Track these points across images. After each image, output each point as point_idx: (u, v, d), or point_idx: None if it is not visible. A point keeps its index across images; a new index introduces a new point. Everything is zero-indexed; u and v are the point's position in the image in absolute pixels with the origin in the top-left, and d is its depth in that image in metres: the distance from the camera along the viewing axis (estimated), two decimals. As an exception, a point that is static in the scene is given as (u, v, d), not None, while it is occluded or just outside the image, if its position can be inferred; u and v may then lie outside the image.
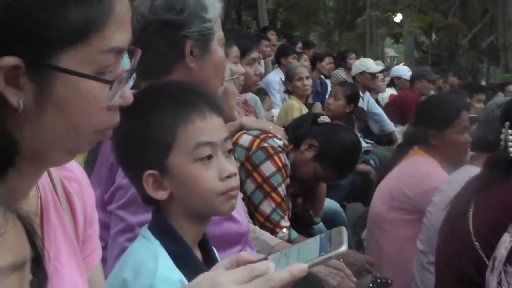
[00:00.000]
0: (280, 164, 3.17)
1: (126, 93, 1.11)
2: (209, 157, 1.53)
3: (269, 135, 3.28)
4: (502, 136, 2.66)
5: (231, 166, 1.56)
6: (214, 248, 1.70)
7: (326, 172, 3.35)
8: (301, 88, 6.29)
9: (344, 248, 1.00)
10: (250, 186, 3.15)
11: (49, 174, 1.24)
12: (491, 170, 2.74)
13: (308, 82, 6.36)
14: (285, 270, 0.99)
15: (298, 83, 6.27)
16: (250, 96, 5.29)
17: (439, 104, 3.80)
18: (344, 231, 1.05)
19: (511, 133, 2.63)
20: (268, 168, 3.16)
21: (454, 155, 3.82)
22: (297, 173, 3.34)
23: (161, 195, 1.54)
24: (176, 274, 1.48)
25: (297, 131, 3.42)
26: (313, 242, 1.06)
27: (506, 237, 2.11)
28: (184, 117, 1.52)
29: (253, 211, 3.04)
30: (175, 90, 1.59)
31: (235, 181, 1.57)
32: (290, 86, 6.34)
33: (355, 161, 3.56)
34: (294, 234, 3.23)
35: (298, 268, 0.99)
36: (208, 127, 1.54)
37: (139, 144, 1.53)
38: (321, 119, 3.54)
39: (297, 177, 3.37)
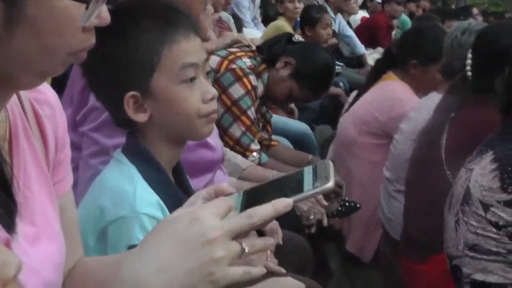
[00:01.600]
0: (249, 86, 3.10)
1: (104, 13, 1.04)
2: (193, 79, 1.50)
3: (238, 55, 3.20)
4: (467, 62, 2.64)
5: (212, 88, 1.52)
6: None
7: (302, 91, 3.29)
8: (292, 11, 6.25)
9: (331, 183, 0.96)
10: (219, 109, 3.09)
11: (19, 97, 1.17)
12: (454, 96, 2.72)
13: (300, 5, 6.30)
14: (269, 205, 0.95)
15: (289, 5, 6.24)
16: (222, 13, 5.19)
17: (432, 39, 3.73)
18: (331, 165, 1.00)
19: (470, 57, 2.61)
20: (237, 90, 3.09)
21: (427, 88, 3.80)
22: (271, 92, 3.27)
23: (141, 117, 1.50)
24: (155, 197, 1.45)
25: (272, 49, 3.34)
26: (298, 176, 1.01)
27: (462, 172, 2.08)
28: (170, 36, 1.47)
29: (222, 135, 2.99)
30: (158, 8, 1.52)
31: (215, 104, 1.54)
32: (281, 7, 6.29)
33: (330, 81, 3.51)
34: (265, 157, 3.20)
35: (283, 203, 0.95)
36: (193, 48, 1.50)
37: (120, 65, 1.48)
38: (296, 38, 3.47)
39: (271, 96, 3.32)
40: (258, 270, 0.96)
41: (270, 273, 1.74)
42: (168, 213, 1.43)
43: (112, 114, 1.57)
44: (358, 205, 3.27)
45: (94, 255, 1.42)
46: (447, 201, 2.16)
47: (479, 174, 1.98)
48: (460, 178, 2.09)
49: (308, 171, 1.01)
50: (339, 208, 3.21)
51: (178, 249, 0.92)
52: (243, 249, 0.94)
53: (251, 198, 1.01)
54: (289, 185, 1.00)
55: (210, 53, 3.01)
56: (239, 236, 0.94)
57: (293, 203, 0.96)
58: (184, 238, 0.92)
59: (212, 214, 0.94)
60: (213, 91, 1.53)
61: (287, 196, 0.97)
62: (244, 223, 0.94)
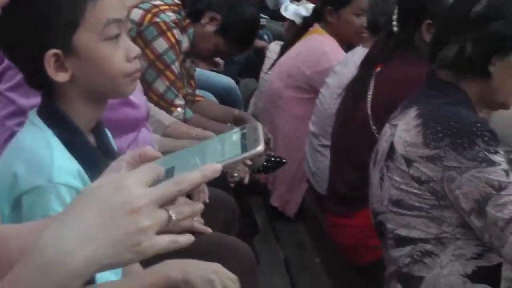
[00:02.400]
0: (173, 40, 3.03)
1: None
2: (117, 36, 1.43)
3: (161, 8, 3.11)
4: (394, 17, 2.64)
5: (136, 46, 1.46)
6: (109, 134, 1.61)
7: (228, 46, 3.23)
8: None
9: (260, 147, 0.92)
10: (142, 64, 3.00)
11: None
12: (379, 50, 2.73)
13: None
14: (197, 171, 0.91)
15: None
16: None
17: None
18: (259, 128, 0.96)
19: (396, 12, 2.61)
20: (160, 44, 3.01)
21: (349, 36, 3.81)
22: (196, 48, 3.21)
23: (62, 77, 1.42)
24: (74, 165, 1.39)
25: (196, 3, 3.26)
26: (226, 139, 0.97)
27: (387, 128, 2.08)
28: None
29: (146, 90, 2.91)
30: None
31: (139, 63, 1.49)
32: None
33: (255, 34, 3.46)
34: (189, 113, 3.15)
35: (211, 169, 0.91)
36: (116, 3, 1.43)
37: (40, 21, 1.39)
38: None
39: (196, 52, 3.25)
40: (185, 238, 0.93)
41: (197, 233, 1.72)
42: (89, 181, 1.38)
43: (26, 74, 1.49)
44: (284, 160, 3.27)
45: (9, 223, 1.35)
46: (372, 156, 2.16)
47: (403, 129, 1.98)
48: (385, 134, 2.09)
49: (236, 134, 0.98)
50: (265, 163, 3.20)
51: (102, 218, 0.88)
52: (170, 217, 0.90)
53: (179, 163, 0.96)
54: (217, 149, 0.96)
55: (131, 8, 2.93)
56: (166, 203, 0.90)
57: (222, 168, 0.92)
58: (109, 207, 0.88)
59: (137, 182, 0.89)
60: (137, 49, 1.48)
61: (215, 161, 0.93)
62: (171, 190, 0.90)
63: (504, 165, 1.86)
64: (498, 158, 1.85)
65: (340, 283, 3.17)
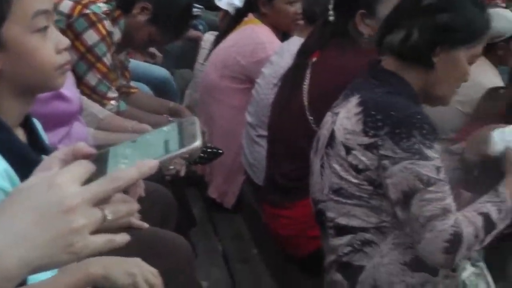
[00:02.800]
0: (104, 32, 2.97)
1: None
2: (46, 28, 1.38)
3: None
4: (330, 6, 2.64)
5: (65, 37, 1.41)
6: (40, 127, 1.55)
7: (161, 35, 3.17)
8: None
9: (198, 142, 0.90)
10: (72, 56, 2.93)
11: None
12: (314, 40, 2.73)
13: None
14: (133, 168, 0.88)
15: None
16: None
17: None
18: (197, 122, 0.94)
19: (332, 2, 2.63)
20: (91, 36, 2.95)
21: (284, 25, 3.81)
22: (129, 38, 3.14)
23: None
24: (1, 164, 1.33)
25: None
26: (163, 134, 0.94)
27: (328, 116, 2.08)
28: None
29: (78, 83, 2.85)
30: None
31: (68, 54, 1.45)
32: None
33: (189, 21, 3.41)
34: (123, 105, 3.10)
35: (148, 165, 0.88)
36: None
37: None
38: None
39: (129, 43, 3.19)
40: (121, 237, 0.90)
41: (133, 229, 1.68)
42: (18, 181, 1.32)
43: None
44: (220, 151, 3.24)
45: None
46: (313, 145, 2.16)
47: (344, 117, 1.98)
48: (327, 122, 2.08)
49: (173, 129, 0.95)
50: (202, 154, 3.16)
51: (35, 218, 0.84)
52: (104, 216, 0.87)
53: (114, 159, 0.93)
54: (154, 145, 0.93)
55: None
56: (101, 201, 0.87)
57: (159, 164, 0.89)
58: (41, 207, 0.85)
59: (70, 179, 0.86)
60: (66, 41, 1.43)
61: (152, 156, 0.90)
62: (106, 188, 0.86)
63: (437, 162, 1.87)
64: (432, 154, 1.86)
65: (278, 274, 3.17)
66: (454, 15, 1.96)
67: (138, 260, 1.61)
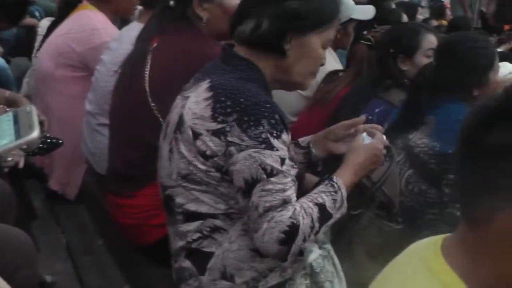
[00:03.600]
0: None
1: None
2: None
3: None
4: None
5: None
6: None
7: None
8: None
9: (36, 133, 0.86)
10: None
11: None
12: (154, 25, 2.71)
13: None
14: None
15: None
16: None
17: None
18: (33, 111, 0.90)
19: None
20: None
21: (122, 10, 3.75)
22: None
23: None
24: None
25: None
26: None
27: (178, 100, 2.06)
28: None
29: None
30: None
31: None
32: None
33: (25, 9, 3.28)
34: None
35: None
36: None
37: None
38: None
39: None
40: None
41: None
42: None
43: None
44: (60, 141, 3.15)
45: None
46: (163, 129, 2.12)
47: (193, 101, 1.96)
48: (176, 105, 2.05)
49: (8, 120, 0.90)
50: (41, 145, 3.05)
51: None
52: None
53: None
54: None
55: None
56: None
57: None
58: None
59: None
60: None
61: None
62: None
63: (283, 153, 1.87)
64: (279, 144, 1.87)
65: (125, 264, 3.13)
66: (303, 2, 1.97)
67: None
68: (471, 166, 1.09)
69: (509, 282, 1.10)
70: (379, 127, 2.20)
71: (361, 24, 3.91)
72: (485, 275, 1.10)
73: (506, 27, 12.23)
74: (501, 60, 3.94)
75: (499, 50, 4.35)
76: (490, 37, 4.08)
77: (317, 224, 1.90)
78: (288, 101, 3.41)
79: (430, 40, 3.19)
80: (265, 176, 1.85)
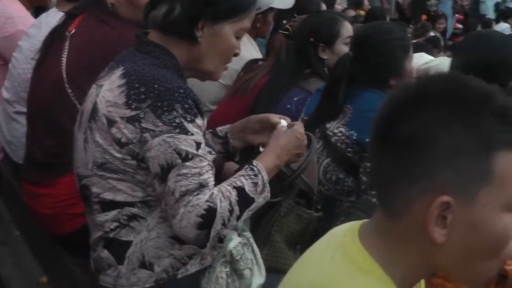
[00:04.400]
0: None
1: None
2: None
3: None
4: None
5: None
6: None
7: None
8: None
9: None
10: None
11: None
12: (71, 11, 2.69)
13: None
14: None
15: None
16: None
17: None
18: None
19: None
20: None
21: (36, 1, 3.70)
22: None
23: None
24: None
25: None
26: None
27: (93, 89, 2.03)
28: None
29: None
30: None
31: None
32: None
33: None
34: None
35: None
36: None
37: None
38: None
39: None
40: None
41: None
42: None
43: None
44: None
45: None
46: (77, 118, 2.08)
47: (107, 89, 1.93)
48: (91, 94, 2.02)
49: None
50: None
51: None
52: None
53: None
54: None
55: None
56: None
57: None
58: None
59: None
60: None
61: None
62: None
63: (198, 137, 1.87)
64: (193, 129, 1.86)
65: (42, 254, 3.09)
66: None
67: None
68: (386, 156, 1.12)
69: (425, 267, 1.14)
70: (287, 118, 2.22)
71: (281, 13, 3.93)
72: (403, 261, 1.13)
73: (424, 16, 12.55)
74: (418, 50, 4.05)
75: (414, 41, 4.45)
76: (406, 27, 4.17)
77: (236, 208, 1.90)
78: (208, 89, 3.40)
79: (348, 29, 3.24)
80: (180, 161, 1.84)
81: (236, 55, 2.09)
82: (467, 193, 1.07)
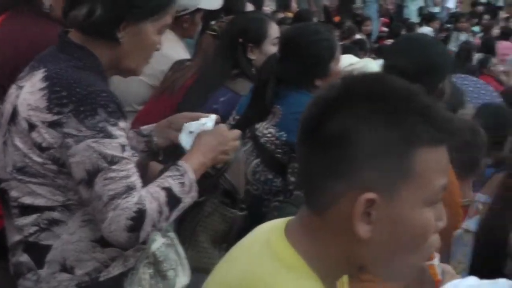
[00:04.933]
0: None
1: None
2: None
3: None
4: None
5: None
6: None
7: None
8: None
9: None
10: None
11: None
12: None
13: None
14: None
15: None
16: None
17: None
18: None
19: None
20: None
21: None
22: None
23: None
24: None
25: None
26: None
27: (13, 89, 1.98)
28: None
29: None
30: None
31: None
32: None
33: None
34: None
35: None
36: None
37: None
38: None
39: None
40: None
41: None
42: None
43: None
44: None
45: None
46: None
47: (28, 91, 1.90)
48: (11, 95, 1.98)
49: None
50: None
51: None
52: None
53: None
54: None
55: None
56: None
57: None
58: None
59: None
60: None
61: None
62: None
63: (122, 140, 1.86)
64: (117, 132, 1.85)
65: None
66: None
67: None
68: (313, 154, 1.13)
69: (350, 262, 1.15)
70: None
71: (209, 14, 3.91)
72: (328, 256, 1.14)
73: (337, 18, 12.71)
74: (345, 52, 4.09)
75: (341, 43, 4.49)
76: (333, 29, 4.23)
77: (165, 209, 1.90)
78: (134, 90, 3.36)
79: (275, 29, 3.25)
80: (106, 165, 1.83)
81: (157, 50, 2.09)
82: (390, 190, 1.09)
